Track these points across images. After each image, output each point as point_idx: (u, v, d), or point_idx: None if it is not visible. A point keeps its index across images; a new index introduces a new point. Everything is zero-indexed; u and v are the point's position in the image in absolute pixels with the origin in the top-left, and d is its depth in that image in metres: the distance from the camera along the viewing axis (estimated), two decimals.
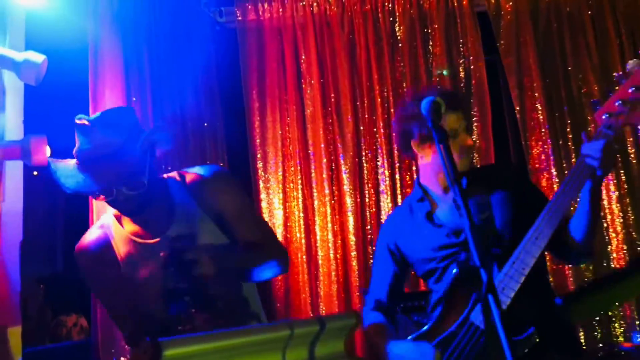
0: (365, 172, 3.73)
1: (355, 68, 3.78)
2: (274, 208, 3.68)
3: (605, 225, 3.65)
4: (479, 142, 3.72)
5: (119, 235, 1.87)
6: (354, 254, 3.62)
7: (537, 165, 3.74)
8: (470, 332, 1.76)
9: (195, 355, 1.22)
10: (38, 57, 2.20)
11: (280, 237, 3.66)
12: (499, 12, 3.86)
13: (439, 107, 1.70)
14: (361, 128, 3.75)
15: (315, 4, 3.79)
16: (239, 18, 3.78)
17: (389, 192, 3.68)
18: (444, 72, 3.80)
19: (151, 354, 1.12)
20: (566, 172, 3.65)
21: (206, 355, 1.25)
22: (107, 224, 1.91)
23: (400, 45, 3.80)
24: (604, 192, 3.65)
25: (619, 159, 3.70)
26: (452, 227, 1.90)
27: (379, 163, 3.72)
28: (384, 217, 3.67)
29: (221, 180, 1.91)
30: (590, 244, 1.79)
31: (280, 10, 3.79)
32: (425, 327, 1.89)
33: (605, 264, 3.63)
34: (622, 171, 3.72)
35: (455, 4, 3.82)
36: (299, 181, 3.69)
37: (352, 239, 3.64)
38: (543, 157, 3.74)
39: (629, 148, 3.74)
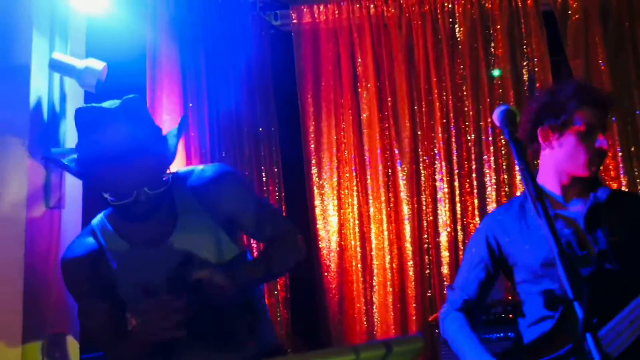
0: (423, 178, 3.61)
1: (413, 71, 3.67)
2: (328, 215, 3.61)
3: None
4: None
5: (113, 242, 1.65)
6: (410, 263, 3.50)
7: (604, 175, 3.53)
8: None
9: None
10: (98, 65, 2.20)
11: (334, 244, 3.59)
12: (566, 11, 3.67)
13: (514, 116, 1.59)
14: (419, 133, 3.63)
15: (372, 5, 3.70)
16: (294, 21, 3.73)
17: (446, 200, 3.55)
18: (495, 73, 3.63)
19: None
20: None
21: None
22: (98, 229, 1.69)
23: (460, 47, 3.67)
24: None
25: None
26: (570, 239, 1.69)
27: (436, 169, 3.60)
28: (441, 226, 3.55)
29: (228, 180, 1.70)
30: None
31: (336, 12, 3.71)
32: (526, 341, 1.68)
33: None
34: None
35: (520, 4, 3.65)
36: (355, 187, 3.61)
37: (408, 247, 3.53)
38: (612, 166, 3.53)
39: None
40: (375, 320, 3.49)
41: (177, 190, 1.67)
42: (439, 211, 3.57)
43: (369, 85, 3.65)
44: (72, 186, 2.37)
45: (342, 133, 3.66)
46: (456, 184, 3.58)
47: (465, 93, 3.64)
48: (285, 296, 3.45)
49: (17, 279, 2.09)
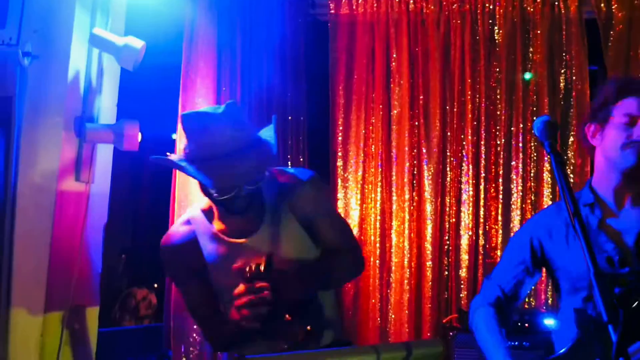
0: (448, 180, 3.58)
1: (447, 70, 3.62)
2: (350, 208, 3.60)
3: None
4: (574, 159, 3.49)
5: (207, 232, 1.83)
6: (429, 263, 3.48)
7: None
8: None
9: None
10: (138, 43, 2.21)
11: None
12: (610, 20, 3.58)
13: (555, 128, 1.56)
14: (448, 134, 3.60)
15: (411, 0, 3.65)
16: (332, 11, 3.70)
17: (470, 203, 3.52)
18: (527, 77, 3.57)
19: None
20: None
21: None
22: (194, 220, 1.86)
23: (497, 49, 3.61)
24: None
25: None
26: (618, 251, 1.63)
27: (463, 171, 3.56)
28: (463, 229, 3.52)
29: (317, 186, 1.88)
30: None
31: (375, 5, 3.67)
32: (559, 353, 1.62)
33: None
34: None
35: (562, 10, 3.57)
36: (379, 183, 3.59)
37: (428, 247, 3.51)
38: None
39: None
40: (390, 317, 3.48)
41: (267, 187, 1.82)
42: (462, 214, 3.53)
43: (401, 81, 3.61)
44: (103, 162, 2.39)
45: (371, 128, 3.63)
46: (481, 187, 3.54)
47: (499, 97, 3.58)
48: None
49: (44, 250, 2.13)
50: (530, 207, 3.50)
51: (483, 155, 3.55)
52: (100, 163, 2.35)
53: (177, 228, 1.89)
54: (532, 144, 3.53)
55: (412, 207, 3.56)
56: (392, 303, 3.49)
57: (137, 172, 4.85)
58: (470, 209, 3.51)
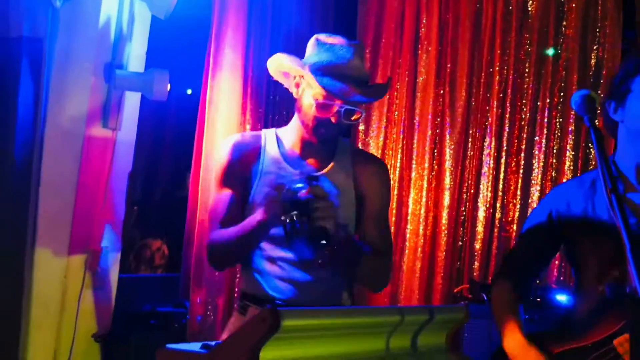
0: (470, 151, 3.55)
1: (477, 40, 3.56)
2: None
3: None
4: None
5: (273, 152, 1.79)
6: (444, 233, 3.49)
7: None
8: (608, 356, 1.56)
9: (310, 329, 1.19)
10: None
11: None
12: None
13: (594, 102, 1.54)
14: (473, 104, 3.55)
15: None
16: None
17: (490, 176, 3.50)
18: (550, 52, 3.51)
19: (270, 321, 1.08)
20: None
21: (320, 330, 1.22)
22: (268, 136, 1.83)
23: (530, 21, 3.53)
24: None
25: None
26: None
27: (485, 144, 3.53)
28: (480, 201, 3.51)
29: (387, 172, 1.93)
30: None
31: None
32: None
33: None
34: None
35: None
36: (399, 150, 3.57)
37: (444, 217, 3.51)
38: None
39: None
40: (401, 283, 3.51)
41: (341, 144, 1.85)
42: (481, 186, 3.52)
43: (429, 48, 3.56)
44: (130, 110, 2.39)
45: (395, 93, 3.59)
46: (502, 161, 3.51)
47: (527, 70, 3.52)
48: None
49: (70, 194, 2.15)
50: (550, 183, 3.47)
51: (507, 129, 3.51)
52: (127, 111, 2.35)
53: (250, 134, 1.92)
54: (557, 120, 3.49)
55: (431, 176, 3.54)
56: (404, 270, 3.51)
57: (154, 123, 4.84)
58: (490, 181, 3.49)
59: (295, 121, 1.82)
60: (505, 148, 3.51)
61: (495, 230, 3.50)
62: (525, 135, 3.51)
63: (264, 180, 1.75)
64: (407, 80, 3.57)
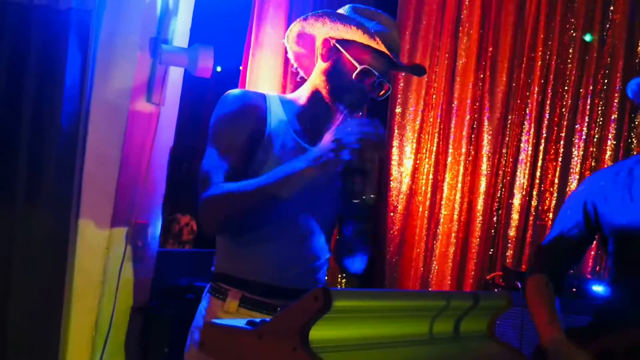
0: (508, 137, 3.50)
1: (520, 24, 3.48)
2: (404, 156, 3.57)
3: None
4: None
5: (280, 115, 1.63)
6: (479, 219, 3.46)
7: None
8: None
9: (358, 310, 1.19)
10: None
11: (405, 186, 3.57)
12: None
13: None
14: (513, 90, 3.49)
15: None
16: None
17: (528, 163, 3.45)
18: (587, 39, 3.41)
19: (323, 301, 1.08)
20: None
21: (368, 311, 1.22)
22: (272, 100, 1.66)
23: (576, 5, 3.44)
24: None
25: None
26: None
27: (524, 130, 3.47)
28: (517, 188, 3.46)
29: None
30: None
31: None
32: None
33: None
34: None
35: None
36: (436, 134, 3.54)
37: (479, 203, 3.47)
38: None
39: None
40: (433, 268, 3.50)
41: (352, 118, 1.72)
42: (517, 173, 3.47)
43: (471, 31, 3.50)
44: (173, 85, 2.40)
45: (434, 77, 3.55)
46: (541, 148, 3.45)
47: (571, 56, 3.44)
48: None
49: (114, 166, 2.18)
50: (589, 172, 3.40)
51: (547, 115, 3.45)
52: (171, 86, 2.36)
53: (250, 91, 1.74)
54: (599, 108, 3.41)
55: (467, 161, 3.51)
56: (436, 255, 3.50)
57: (192, 99, 4.86)
58: (527, 169, 3.44)
59: (305, 91, 1.66)
60: (544, 135, 3.45)
61: (531, 218, 3.45)
62: (565, 123, 3.44)
63: (274, 142, 1.59)
64: (446, 63, 3.52)
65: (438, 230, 3.50)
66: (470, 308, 1.46)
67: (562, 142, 3.44)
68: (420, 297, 1.42)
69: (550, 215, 3.44)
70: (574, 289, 2.93)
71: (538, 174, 3.46)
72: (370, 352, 1.24)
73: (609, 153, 3.39)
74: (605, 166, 3.39)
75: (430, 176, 3.53)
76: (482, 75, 3.51)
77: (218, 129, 1.58)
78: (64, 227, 2.14)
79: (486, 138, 3.48)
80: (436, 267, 3.49)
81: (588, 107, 3.42)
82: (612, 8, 3.43)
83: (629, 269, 1.69)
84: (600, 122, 3.42)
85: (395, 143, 3.57)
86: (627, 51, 3.39)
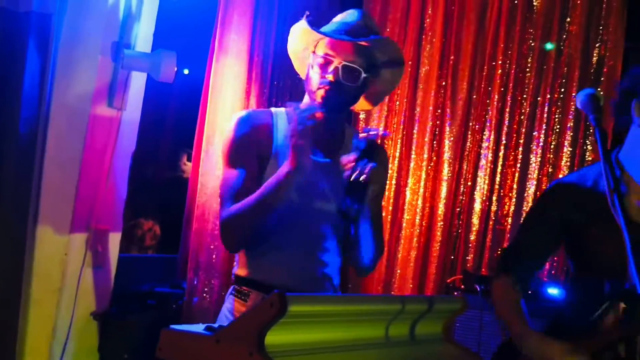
0: (469, 143, 3.57)
1: (481, 33, 3.57)
2: None
3: None
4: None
5: (283, 131, 1.70)
6: (440, 224, 3.52)
7: None
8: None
9: (314, 315, 1.21)
10: None
11: None
12: None
13: (599, 101, 1.56)
14: (474, 97, 3.57)
15: None
16: None
17: (487, 169, 3.53)
18: (549, 46, 3.52)
19: (278, 306, 1.10)
20: None
21: (323, 316, 1.24)
22: (278, 115, 1.75)
23: (535, 16, 3.54)
24: None
25: None
26: None
27: (484, 137, 3.56)
28: (477, 193, 3.54)
29: (388, 160, 1.93)
30: None
31: None
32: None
33: None
34: None
35: None
36: (399, 140, 3.59)
37: (441, 208, 3.54)
38: None
39: None
40: (395, 272, 3.55)
41: (349, 131, 1.81)
42: (478, 178, 3.55)
43: (434, 40, 3.57)
44: (135, 90, 2.39)
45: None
46: (500, 154, 3.54)
47: (529, 65, 3.54)
48: None
49: (74, 170, 2.16)
50: (546, 178, 3.51)
51: (506, 122, 3.54)
52: (133, 90, 2.35)
53: (257, 110, 1.87)
54: (556, 116, 3.52)
55: (429, 167, 3.57)
56: (399, 259, 3.54)
57: (155, 104, 4.82)
58: (487, 174, 3.53)
59: (304, 103, 1.73)
60: (504, 142, 3.54)
61: (491, 222, 3.53)
62: (524, 130, 3.54)
63: (280, 158, 1.67)
64: (409, 70, 3.58)
65: (400, 234, 3.55)
66: (425, 311, 1.50)
67: (520, 149, 3.53)
68: (376, 301, 1.44)
69: (510, 220, 3.53)
70: (530, 292, 3.02)
71: (498, 179, 3.55)
72: (326, 356, 1.26)
73: (565, 160, 3.50)
74: (562, 172, 3.49)
75: (394, 181, 3.58)
76: (444, 83, 3.59)
77: (228, 153, 1.70)
78: (21, 233, 2.10)
79: (447, 144, 3.55)
80: (398, 271, 3.54)
81: (545, 115, 3.52)
82: (568, 19, 3.54)
83: (589, 273, 1.72)
84: (557, 130, 3.52)
85: None
86: (583, 61, 3.50)
